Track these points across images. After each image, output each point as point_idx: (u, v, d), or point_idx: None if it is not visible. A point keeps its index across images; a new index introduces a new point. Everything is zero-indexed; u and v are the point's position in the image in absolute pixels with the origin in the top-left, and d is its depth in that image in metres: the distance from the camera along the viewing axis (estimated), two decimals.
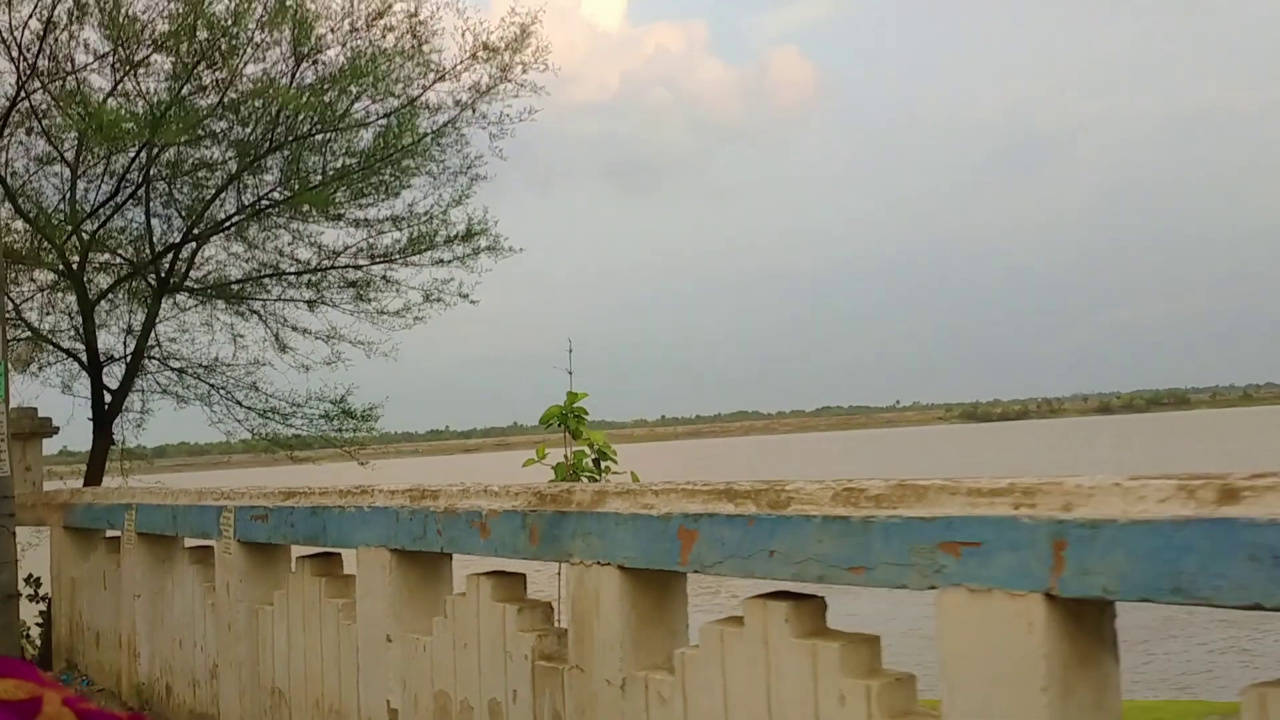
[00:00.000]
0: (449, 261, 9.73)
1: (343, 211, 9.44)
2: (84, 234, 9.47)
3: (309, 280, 10.10)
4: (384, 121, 8.96)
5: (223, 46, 8.49)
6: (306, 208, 9.19)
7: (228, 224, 9.81)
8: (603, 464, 6.62)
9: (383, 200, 9.45)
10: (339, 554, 5.42)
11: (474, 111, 9.05)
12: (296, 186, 9.12)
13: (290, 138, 9.06)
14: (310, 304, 10.20)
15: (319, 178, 9.17)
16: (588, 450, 6.62)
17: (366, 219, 9.63)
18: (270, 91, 8.60)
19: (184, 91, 8.60)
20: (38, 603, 9.33)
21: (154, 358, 10.44)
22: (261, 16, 8.47)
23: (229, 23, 8.38)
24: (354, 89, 8.65)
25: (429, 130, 9.00)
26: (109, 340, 10.35)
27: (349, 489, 4.73)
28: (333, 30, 8.65)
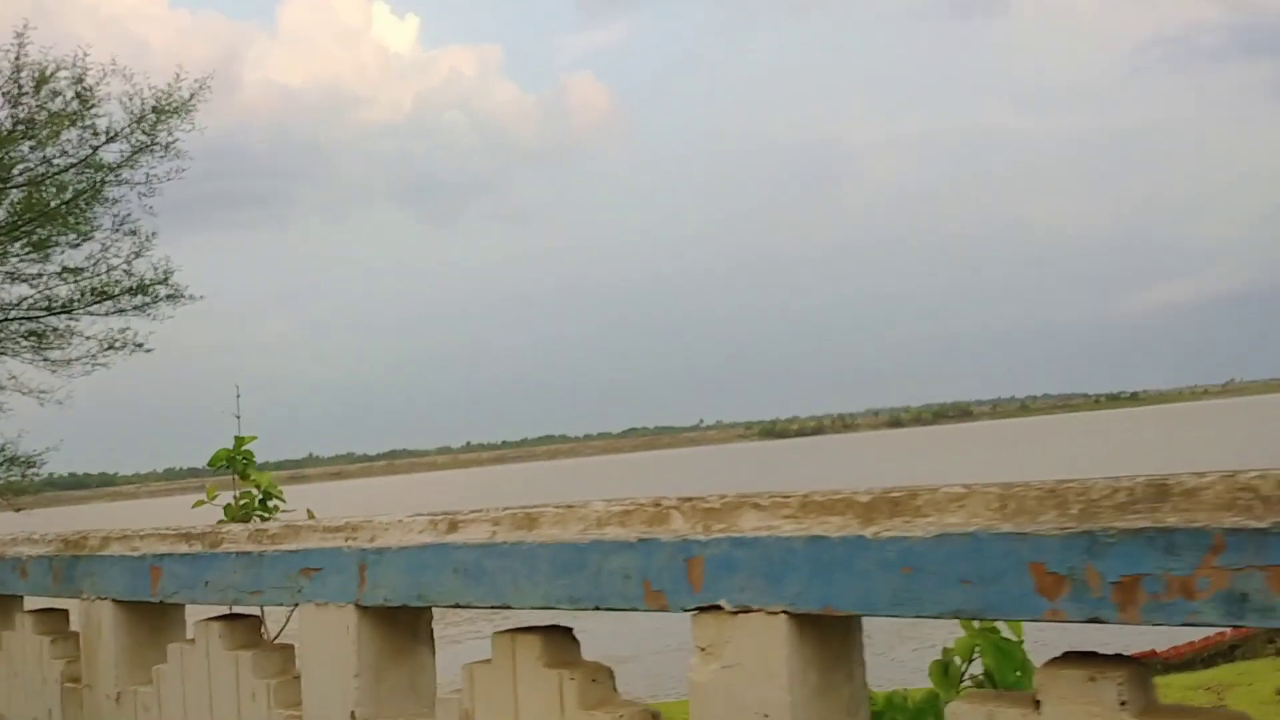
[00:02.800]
0: (127, 311, 10.07)
1: (10, 267, 9.71)
2: None
3: None
4: (47, 179, 9.26)
5: None
6: None
7: None
8: (270, 504, 7.14)
9: (59, 254, 9.75)
10: None
11: (115, 174, 9.45)
12: None
13: None
14: None
15: None
16: (255, 491, 7.10)
17: (38, 273, 9.91)
18: None
19: None
20: None
21: None
22: None
23: None
24: (15, 151, 8.95)
25: (79, 188, 9.35)
26: None
27: None
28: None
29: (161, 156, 9.34)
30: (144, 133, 9.23)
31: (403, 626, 3.17)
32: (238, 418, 7.68)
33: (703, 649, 2.18)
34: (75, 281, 9.86)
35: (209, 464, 7.35)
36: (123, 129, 9.04)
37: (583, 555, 2.43)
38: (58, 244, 9.57)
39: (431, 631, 3.26)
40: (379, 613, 3.09)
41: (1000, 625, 3.20)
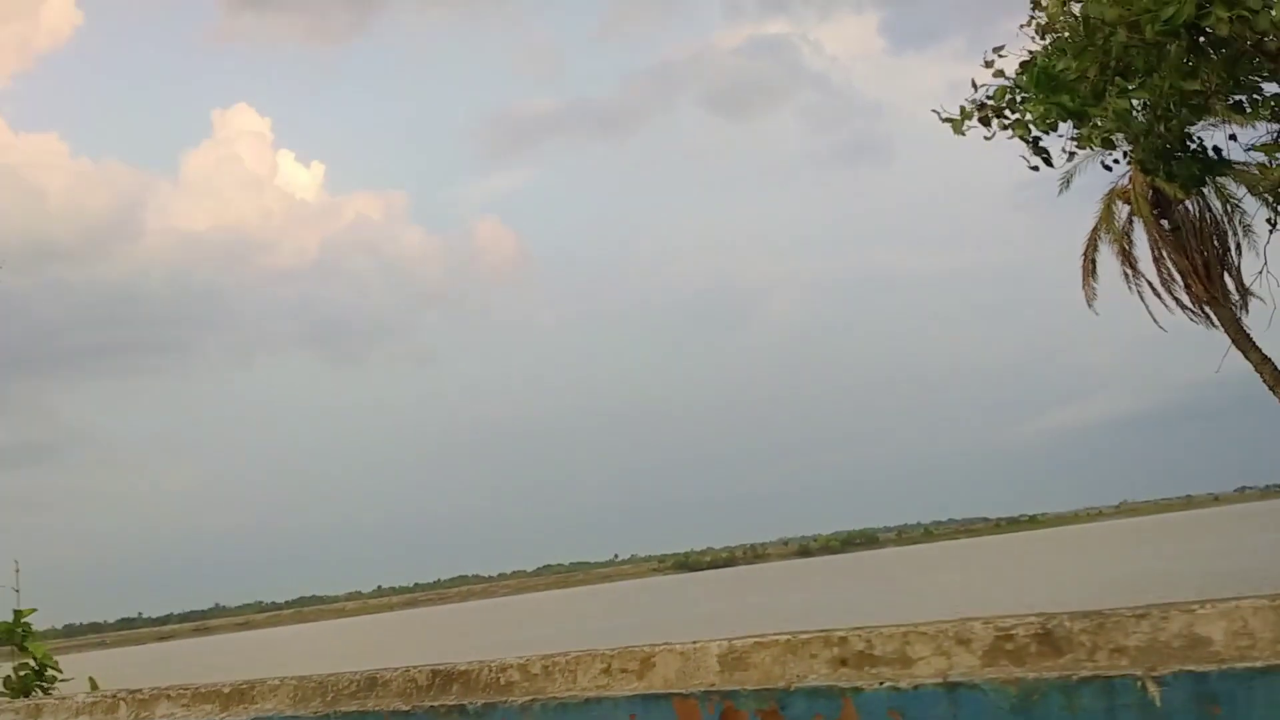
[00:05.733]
0: None
1: None
2: None
3: None
4: None
5: None
6: None
7: None
8: (48, 673, 7.42)
9: None
10: None
11: None
12: None
13: None
14: None
15: None
16: (32, 663, 7.38)
17: None
18: None
19: None
20: None
21: None
22: None
23: None
24: None
25: None
26: None
27: None
28: None
29: None
30: None
31: None
32: (16, 591, 8.03)
33: None
34: None
35: None
36: None
37: None
38: None
39: None
40: None
41: None
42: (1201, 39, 8.23)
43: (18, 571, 8.38)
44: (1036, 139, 9.71)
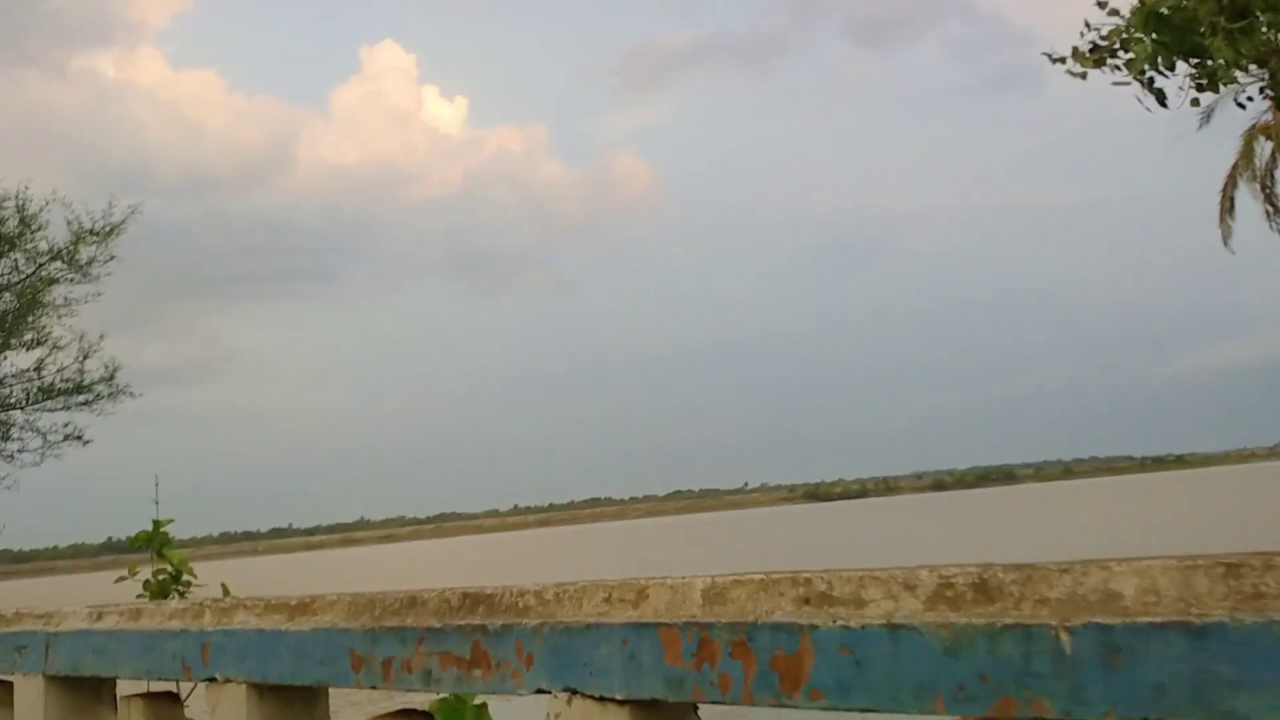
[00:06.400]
0: (71, 408, 11.08)
1: None
2: None
3: None
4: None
5: None
6: None
7: None
8: (183, 578, 8.08)
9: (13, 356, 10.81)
10: None
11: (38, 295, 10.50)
12: None
13: None
14: None
15: None
16: (169, 569, 8.03)
17: None
18: None
19: None
20: None
21: None
22: None
23: None
24: None
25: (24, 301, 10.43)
26: None
27: None
28: None
29: (77, 281, 10.42)
30: (64, 260, 10.33)
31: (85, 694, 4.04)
32: (156, 503, 8.66)
33: None
34: (24, 382, 10.94)
35: (130, 543, 8.33)
36: (61, 249, 10.12)
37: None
38: (11, 347, 10.67)
39: (114, 696, 4.13)
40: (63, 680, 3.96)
41: None
42: None
43: (157, 485, 8.93)
44: (1151, 79, 9.37)
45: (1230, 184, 19.23)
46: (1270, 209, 18.66)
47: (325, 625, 2.80)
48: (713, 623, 2.07)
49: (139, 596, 7.63)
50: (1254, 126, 17.94)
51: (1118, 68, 9.49)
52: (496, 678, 2.38)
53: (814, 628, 1.93)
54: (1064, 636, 1.66)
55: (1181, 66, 9.19)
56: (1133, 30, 9.16)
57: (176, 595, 8.07)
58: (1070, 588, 1.70)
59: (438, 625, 2.51)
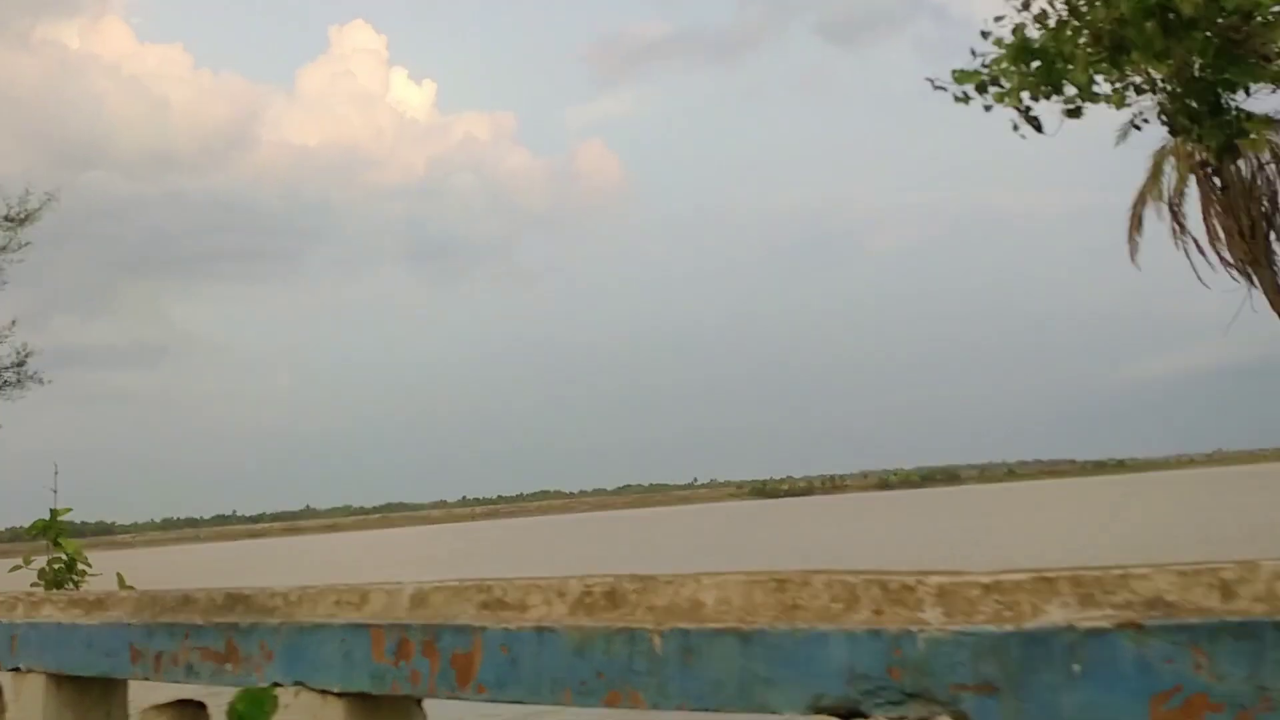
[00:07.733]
0: None
1: None
2: None
3: None
4: None
5: None
6: None
7: None
8: (78, 568, 8.21)
9: None
10: None
11: None
12: None
13: None
14: None
15: None
16: (63, 558, 8.15)
17: None
18: None
19: None
20: None
21: None
22: None
23: None
24: None
25: None
26: None
27: None
28: None
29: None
30: None
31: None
32: (54, 491, 8.80)
33: None
34: None
35: (26, 532, 8.45)
36: None
37: None
38: None
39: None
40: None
41: None
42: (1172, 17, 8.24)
43: (56, 473, 9.01)
44: (1028, 108, 9.84)
45: (1141, 202, 19.80)
46: (1177, 228, 19.28)
47: (113, 620, 3.04)
48: (411, 624, 2.36)
49: (33, 585, 7.75)
50: (1164, 148, 18.50)
51: (1001, 97, 9.94)
52: (244, 671, 2.66)
53: (484, 629, 2.22)
54: (657, 639, 1.96)
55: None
56: (1003, 64, 9.61)
57: (71, 585, 8.21)
58: (671, 597, 2.00)
59: (201, 622, 2.78)
